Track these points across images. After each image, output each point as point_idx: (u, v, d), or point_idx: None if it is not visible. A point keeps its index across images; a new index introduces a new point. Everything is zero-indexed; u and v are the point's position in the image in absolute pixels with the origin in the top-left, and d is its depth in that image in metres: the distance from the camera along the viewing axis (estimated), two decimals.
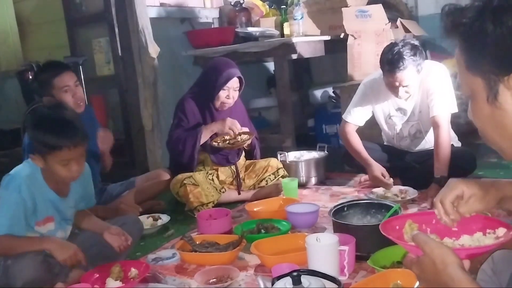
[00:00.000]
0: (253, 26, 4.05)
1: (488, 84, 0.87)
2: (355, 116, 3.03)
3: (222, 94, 3.04)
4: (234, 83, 3.05)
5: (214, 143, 3.03)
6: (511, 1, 0.84)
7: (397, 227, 1.14)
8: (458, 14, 0.89)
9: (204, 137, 3.01)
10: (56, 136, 1.80)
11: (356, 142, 3.01)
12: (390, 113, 2.98)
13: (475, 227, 1.11)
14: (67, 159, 1.83)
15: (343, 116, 3.09)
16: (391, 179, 2.87)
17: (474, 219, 1.14)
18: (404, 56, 2.63)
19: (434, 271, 0.94)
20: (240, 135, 3.05)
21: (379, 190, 2.84)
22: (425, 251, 0.96)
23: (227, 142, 3.03)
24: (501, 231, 1.07)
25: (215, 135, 3.07)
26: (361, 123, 3.05)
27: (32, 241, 1.87)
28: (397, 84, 2.71)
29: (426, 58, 2.81)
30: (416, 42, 2.75)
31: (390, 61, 2.67)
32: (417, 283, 1.19)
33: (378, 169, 2.89)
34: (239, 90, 3.12)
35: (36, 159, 1.85)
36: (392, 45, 2.72)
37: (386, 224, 1.16)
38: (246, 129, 3.13)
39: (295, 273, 1.41)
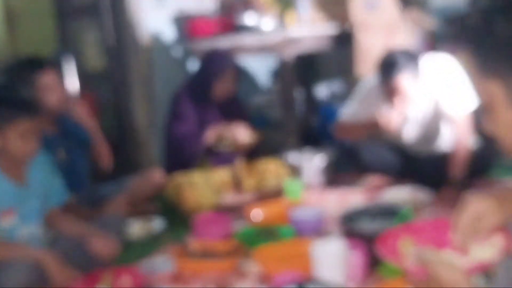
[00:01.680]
0: (254, 18, 3.95)
1: (508, 86, 0.85)
2: (350, 117, 2.96)
3: (219, 84, 3.03)
4: (231, 72, 3.05)
5: (216, 145, 3.04)
6: None
7: (393, 243, 1.17)
8: (462, 20, 0.82)
9: (209, 138, 3.01)
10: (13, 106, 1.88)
11: (346, 122, 2.95)
12: None
13: None
14: (27, 130, 1.86)
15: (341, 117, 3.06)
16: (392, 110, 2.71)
17: None
18: (398, 61, 2.58)
19: None
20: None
21: (389, 194, 2.73)
22: (431, 272, 0.99)
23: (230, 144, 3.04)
24: (501, 241, 1.07)
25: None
26: None
27: (29, 250, 1.85)
28: (392, 91, 2.62)
29: (437, 51, 2.83)
30: (413, 50, 2.72)
31: (384, 67, 2.64)
32: None
33: (378, 117, 2.72)
34: (236, 80, 3.11)
35: None
36: (387, 53, 2.70)
37: (382, 241, 1.19)
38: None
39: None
